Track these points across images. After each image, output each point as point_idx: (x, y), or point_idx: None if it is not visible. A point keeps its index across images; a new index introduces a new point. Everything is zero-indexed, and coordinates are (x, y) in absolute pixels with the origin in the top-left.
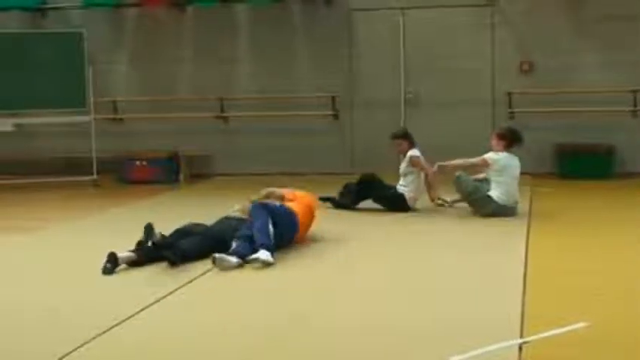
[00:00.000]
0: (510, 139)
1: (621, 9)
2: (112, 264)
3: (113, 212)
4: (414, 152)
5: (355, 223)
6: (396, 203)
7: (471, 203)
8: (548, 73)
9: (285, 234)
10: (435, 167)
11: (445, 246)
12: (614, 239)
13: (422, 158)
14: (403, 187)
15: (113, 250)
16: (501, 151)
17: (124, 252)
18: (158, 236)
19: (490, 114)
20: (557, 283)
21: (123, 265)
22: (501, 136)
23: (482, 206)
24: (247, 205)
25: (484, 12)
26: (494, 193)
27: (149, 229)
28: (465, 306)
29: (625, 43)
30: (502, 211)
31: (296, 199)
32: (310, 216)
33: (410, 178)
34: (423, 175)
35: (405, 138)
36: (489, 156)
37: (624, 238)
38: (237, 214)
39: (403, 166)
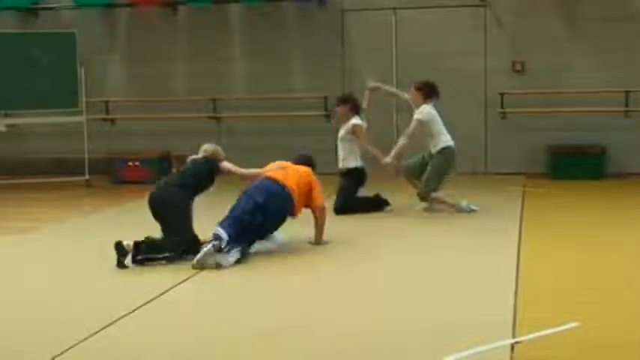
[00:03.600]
0: (428, 91)
1: (614, 9)
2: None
3: (106, 212)
4: (357, 120)
5: (346, 226)
6: (355, 178)
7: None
8: (540, 74)
9: (277, 214)
10: (387, 159)
11: (436, 247)
12: (607, 240)
13: (364, 129)
14: (343, 160)
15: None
16: (421, 103)
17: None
18: (129, 248)
19: (482, 114)
20: (550, 283)
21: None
22: (418, 88)
23: (450, 162)
24: (214, 148)
25: (477, 12)
26: (445, 139)
27: (119, 247)
28: (457, 307)
29: (618, 43)
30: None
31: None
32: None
33: (348, 145)
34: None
35: (347, 102)
36: (418, 117)
37: (617, 238)
38: (202, 155)
39: (342, 133)
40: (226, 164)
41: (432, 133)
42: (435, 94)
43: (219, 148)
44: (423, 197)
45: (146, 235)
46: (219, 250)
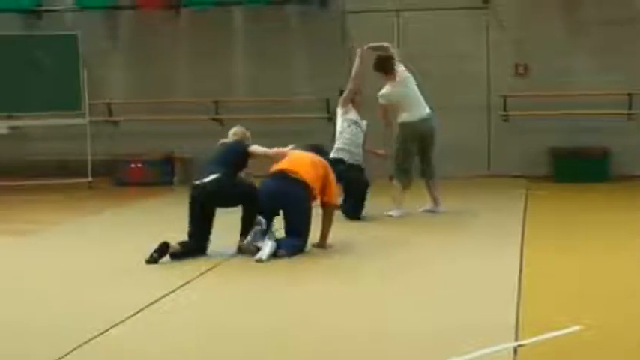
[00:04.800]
0: (384, 67)
1: (617, 12)
2: (159, 254)
3: (109, 214)
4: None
5: (347, 230)
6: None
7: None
8: (543, 76)
9: (298, 208)
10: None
11: (439, 250)
12: (610, 242)
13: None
14: (360, 153)
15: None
16: (392, 79)
17: (174, 243)
18: (177, 247)
19: (485, 117)
20: (553, 286)
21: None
22: (377, 69)
23: (407, 137)
24: (243, 131)
25: (479, 15)
26: (404, 115)
27: (164, 248)
28: (460, 310)
29: (620, 46)
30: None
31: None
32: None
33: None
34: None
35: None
36: (380, 101)
37: (619, 241)
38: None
39: (364, 124)
40: (255, 148)
41: (397, 114)
42: (388, 68)
43: (247, 132)
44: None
45: (163, 241)
46: (263, 233)
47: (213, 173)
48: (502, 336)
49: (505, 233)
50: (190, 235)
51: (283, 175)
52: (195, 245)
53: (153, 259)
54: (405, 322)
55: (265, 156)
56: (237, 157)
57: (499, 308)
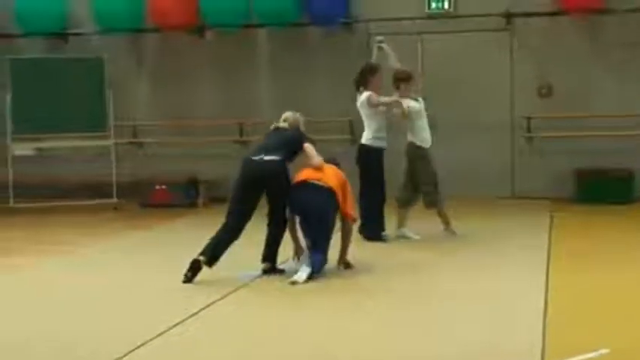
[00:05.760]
0: (401, 80)
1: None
2: (192, 272)
3: (134, 236)
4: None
5: (367, 251)
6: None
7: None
8: (567, 97)
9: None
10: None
11: (463, 273)
12: (636, 264)
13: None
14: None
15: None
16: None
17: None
18: (207, 257)
19: (509, 139)
20: (579, 308)
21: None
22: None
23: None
24: (295, 117)
25: (502, 36)
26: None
27: (196, 265)
28: (486, 332)
29: None
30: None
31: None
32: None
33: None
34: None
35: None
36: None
37: None
38: (285, 125)
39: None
40: (308, 148)
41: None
42: (405, 79)
43: (300, 119)
44: None
45: (194, 259)
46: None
47: (271, 154)
48: (528, 359)
49: (530, 254)
50: (228, 214)
51: (307, 184)
52: (228, 231)
53: (187, 279)
54: (429, 345)
55: (311, 161)
56: (293, 146)
57: (525, 331)
